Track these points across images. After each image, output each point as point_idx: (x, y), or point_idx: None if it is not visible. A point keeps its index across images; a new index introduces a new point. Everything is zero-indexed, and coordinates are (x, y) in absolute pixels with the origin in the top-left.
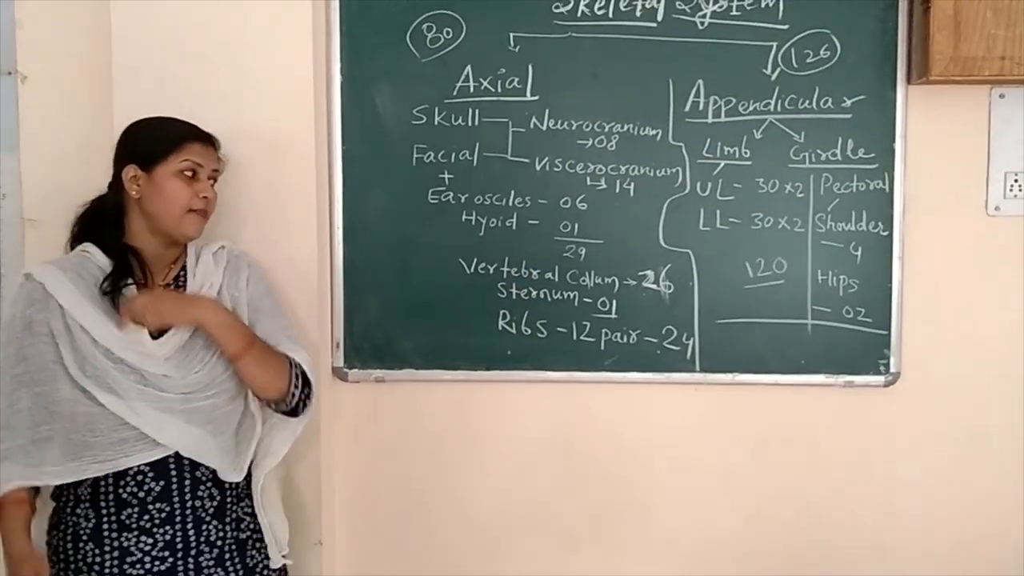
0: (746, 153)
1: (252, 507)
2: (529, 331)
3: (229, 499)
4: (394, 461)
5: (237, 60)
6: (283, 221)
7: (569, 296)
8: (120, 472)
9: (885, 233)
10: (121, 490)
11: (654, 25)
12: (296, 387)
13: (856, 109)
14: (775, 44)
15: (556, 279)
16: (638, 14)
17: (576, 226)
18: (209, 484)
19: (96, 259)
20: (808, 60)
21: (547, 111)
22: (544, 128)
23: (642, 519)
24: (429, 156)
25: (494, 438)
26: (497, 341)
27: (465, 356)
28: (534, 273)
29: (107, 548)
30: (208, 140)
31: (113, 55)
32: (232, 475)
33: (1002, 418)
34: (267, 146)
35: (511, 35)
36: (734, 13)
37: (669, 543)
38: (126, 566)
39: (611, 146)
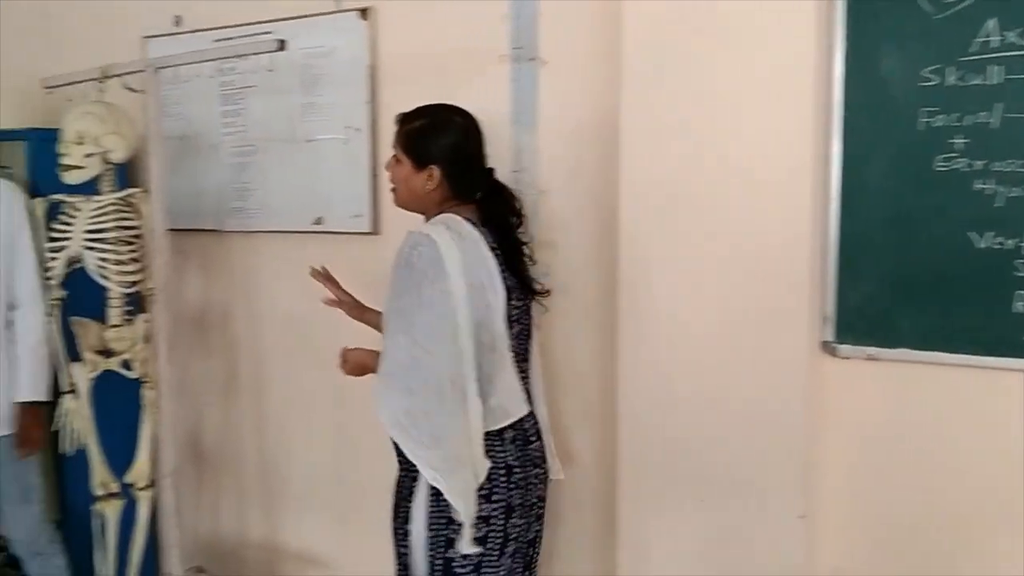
0: None
1: None
2: None
3: None
4: (880, 444)
5: (738, 30)
6: (777, 188)
7: None
8: None
9: None
10: None
11: None
12: None
13: None
14: None
15: None
16: None
17: None
18: None
19: None
20: None
21: None
22: None
23: None
24: (938, 120)
25: (993, 431)
26: (1009, 326)
27: (969, 339)
28: None
29: None
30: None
31: (623, 42)
32: None
33: None
34: (767, 112)
35: None
36: None
37: None
38: None
39: None
